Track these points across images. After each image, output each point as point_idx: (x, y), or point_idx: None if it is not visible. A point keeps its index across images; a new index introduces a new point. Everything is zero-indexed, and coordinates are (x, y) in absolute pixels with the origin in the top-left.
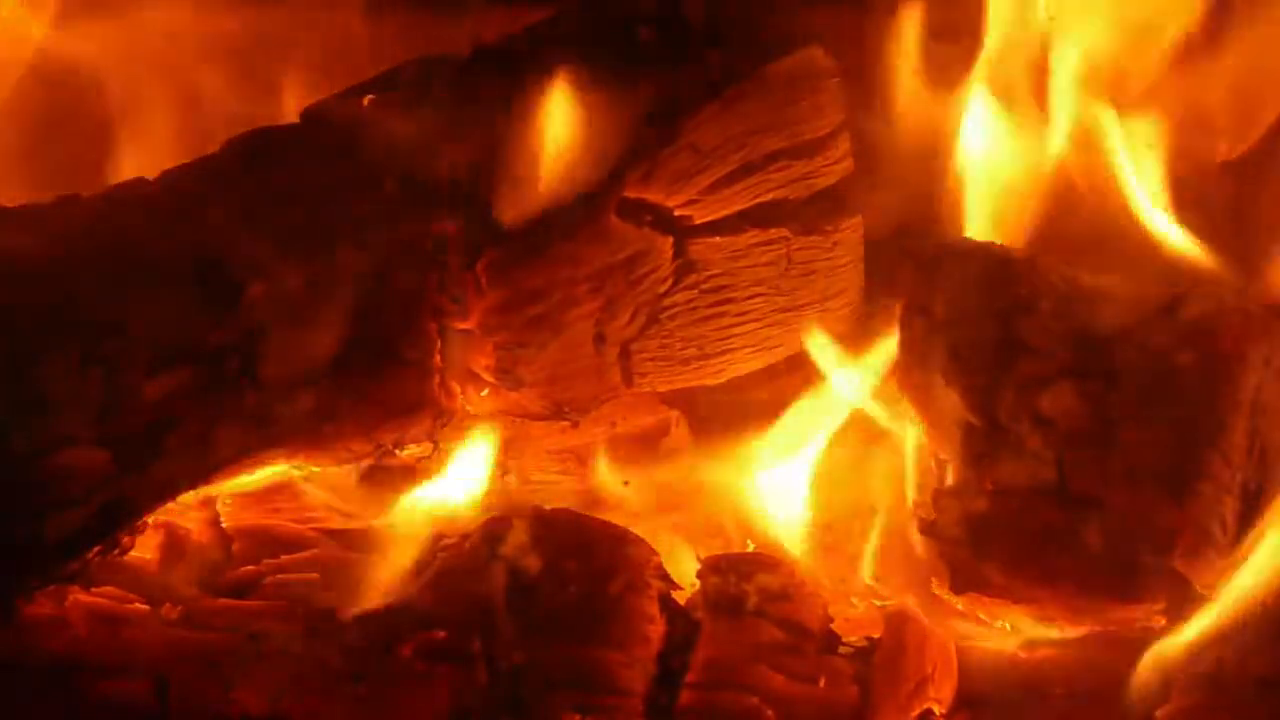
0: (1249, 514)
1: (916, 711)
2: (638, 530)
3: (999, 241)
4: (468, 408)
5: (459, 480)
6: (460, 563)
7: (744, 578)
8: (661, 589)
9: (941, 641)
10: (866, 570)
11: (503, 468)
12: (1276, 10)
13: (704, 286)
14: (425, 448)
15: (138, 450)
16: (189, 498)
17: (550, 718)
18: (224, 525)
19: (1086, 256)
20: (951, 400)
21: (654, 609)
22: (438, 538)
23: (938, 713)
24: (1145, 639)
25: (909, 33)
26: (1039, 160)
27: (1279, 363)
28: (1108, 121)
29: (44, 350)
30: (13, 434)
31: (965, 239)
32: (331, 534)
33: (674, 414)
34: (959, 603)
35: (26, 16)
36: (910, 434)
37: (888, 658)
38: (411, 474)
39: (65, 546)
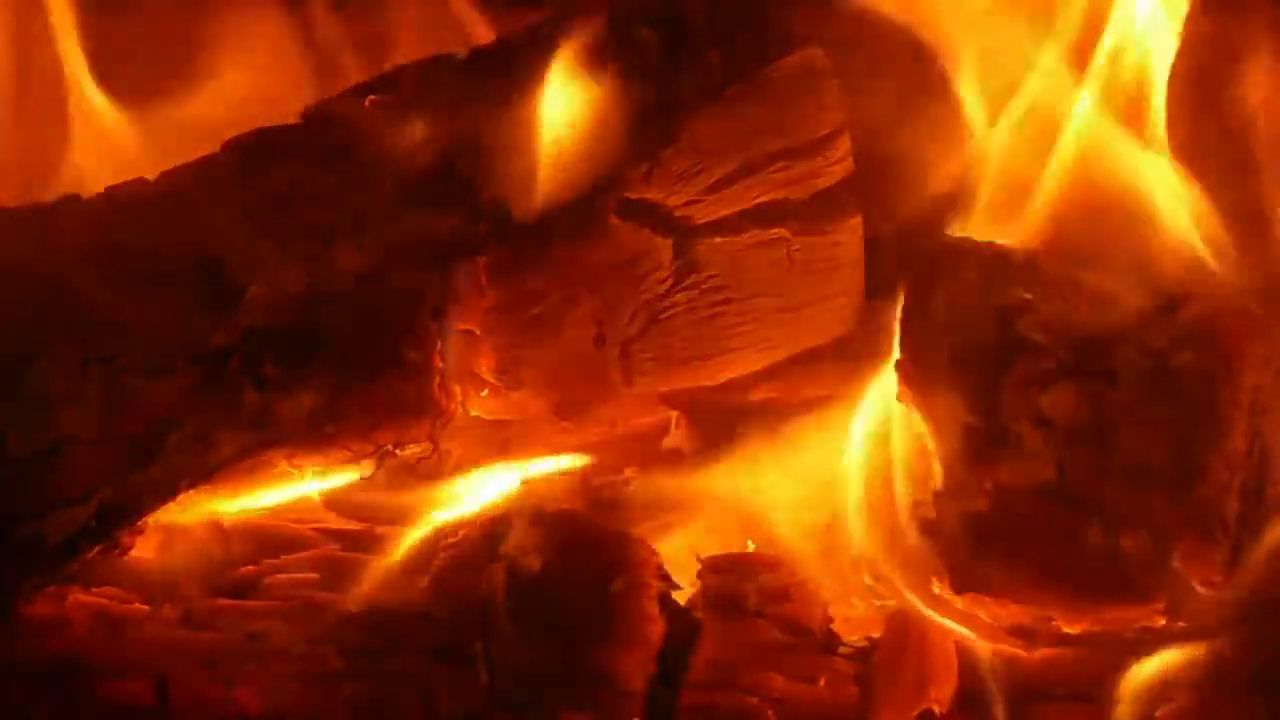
0: (1249, 514)
1: (916, 711)
2: (637, 530)
3: (999, 241)
4: (468, 408)
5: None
6: (460, 563)
7: (744, 578)
8: (661, 589)
9: (941, 641)
10: (871, 569)
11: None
12: None
13: (704, 286)
14: (425, 448)
15: (138, 450)
16: (189, 498)
17: (550, 718)
18: (224, 525)
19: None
20: (951, 400)
21: (654, 609)
22: (438, 538)
23: (938, 713)
24: (1145, 639)
25: (906, 32)
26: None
27: (1279, 363)
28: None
29: (44, 350)
30: (13, 434)
31: (965, 239)
32: (331, 534)
33: (674, 414)
34: (959, 602)
35: None
36: (910, 434)
37: (888, 658)
38: (412, 474)
39: (65, 546)
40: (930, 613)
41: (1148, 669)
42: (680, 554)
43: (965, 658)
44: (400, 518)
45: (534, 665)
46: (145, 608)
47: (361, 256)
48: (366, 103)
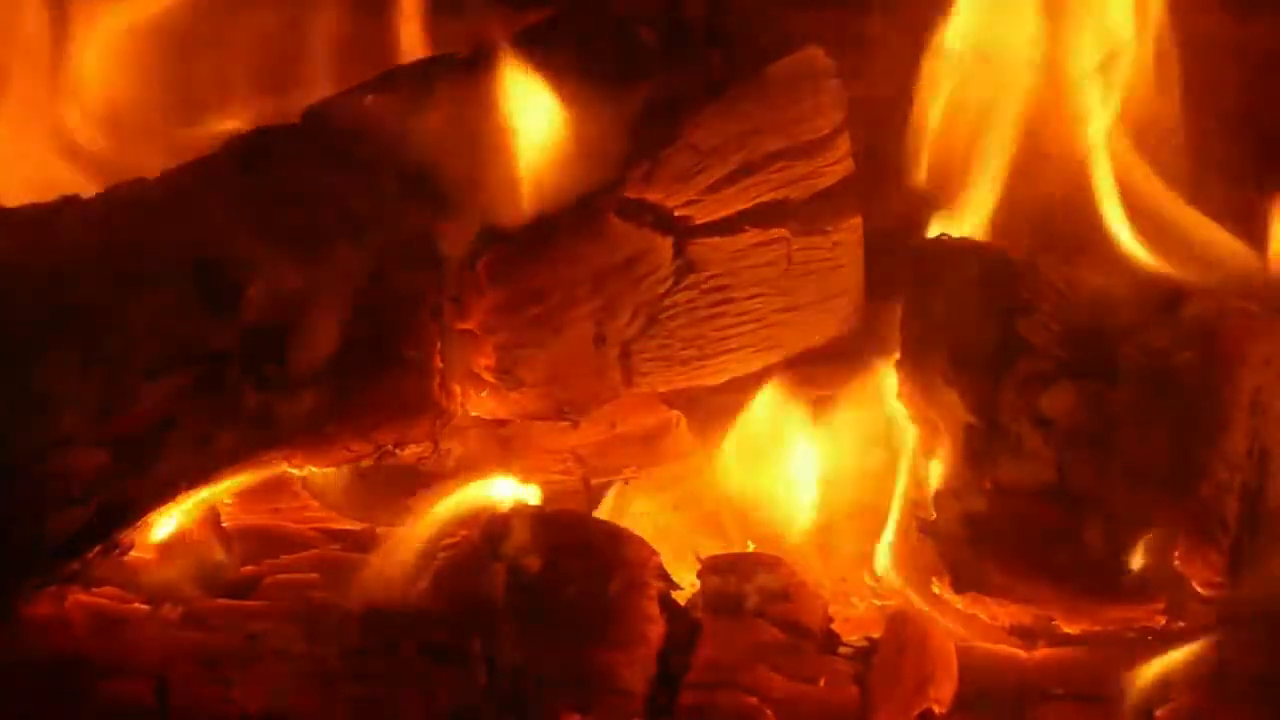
0: (1249, 514)
1: (916, 711)
2: (638, 530)
3: (998, 242)
4: (468, 408)
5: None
6: (460, 563)
7: (744, 578)
8: (661, 589)
9: (941, 641)
10: (871, 569)
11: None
12: None
13: (704, 286)
14: (425, 448)
15: (138, 450)
16: (189, 498)
17: (550, 718)
18: (224, 525)
19: (1086, 256)
20: (951, 400)
21: (654, 609)
22: (438, 538)
23: (938, 712)
24: (1145, 639)
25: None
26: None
27: (1279, 363)
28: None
29: (44, 350)
30: (13, 434)
31: (965, 239)
32: (331, 534)
33: (674, 414)
34: (959, 602)
35: None
36: (910, 434)
37: (888, 658)
38: (412, 474)
39: (65, 546)
40: (931, 612)
41: (1148, 669)
42: (680, 554)
43: (965, 658)
44: (400, 518)
45: (534, 665)
46: (145, 608)
47: (361, 256)
48: (366, 102)
